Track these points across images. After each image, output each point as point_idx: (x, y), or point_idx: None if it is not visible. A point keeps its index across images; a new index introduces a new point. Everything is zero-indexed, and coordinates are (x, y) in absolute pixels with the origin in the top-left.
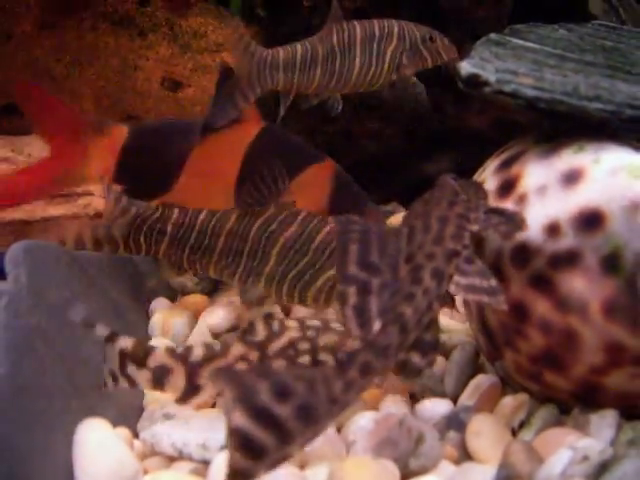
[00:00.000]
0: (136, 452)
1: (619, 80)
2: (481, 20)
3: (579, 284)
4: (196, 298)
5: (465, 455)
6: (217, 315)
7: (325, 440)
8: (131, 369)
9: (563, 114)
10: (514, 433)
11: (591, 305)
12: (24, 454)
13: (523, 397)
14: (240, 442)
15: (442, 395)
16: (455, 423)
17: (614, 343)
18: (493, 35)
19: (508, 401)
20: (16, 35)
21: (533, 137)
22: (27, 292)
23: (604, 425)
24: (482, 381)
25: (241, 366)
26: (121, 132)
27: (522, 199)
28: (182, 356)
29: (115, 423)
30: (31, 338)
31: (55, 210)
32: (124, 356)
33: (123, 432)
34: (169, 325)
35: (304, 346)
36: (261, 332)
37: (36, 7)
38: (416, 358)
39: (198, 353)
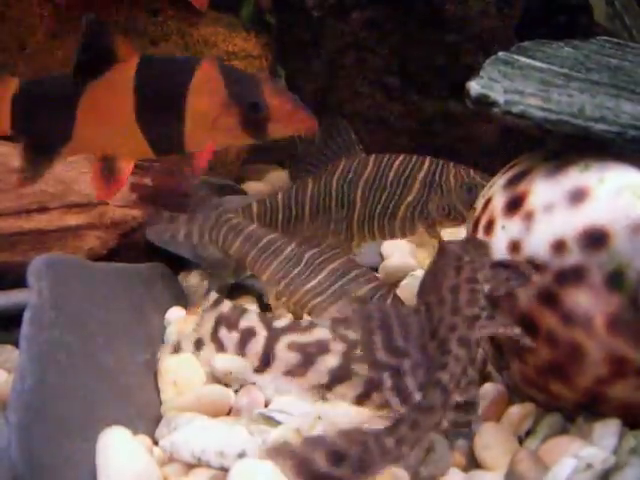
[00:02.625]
0: (156, 459)
1: (624, 99)
2: (487, 30)
3: (584, 299)
4: None
5: (473, 463)
6: None
7: None
8: (223, 332)
9: (569, 135)
10: (520, 441)
11: (596, 320)
12: (49, 464)
13: (529, 406)
14: None
15: None
16: (463, 432)
17: (617, 356)
18: (501, 54)
19: (515, 410)
20: (30, 45)
21: (540, 154)
22: (50, 305)
23: (607, 434)
24: (489, 390)
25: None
26: (12, 82)
27: (529, 216)
28: (267, 321)
29: (135, 431)
30: (54, 350)
31: (72, 220)
32: (220, 319)
33: (143, 440)
34: (184, 334)
35: None
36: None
37: (49, 17)
38: (460, 417)
39: (284, 322)
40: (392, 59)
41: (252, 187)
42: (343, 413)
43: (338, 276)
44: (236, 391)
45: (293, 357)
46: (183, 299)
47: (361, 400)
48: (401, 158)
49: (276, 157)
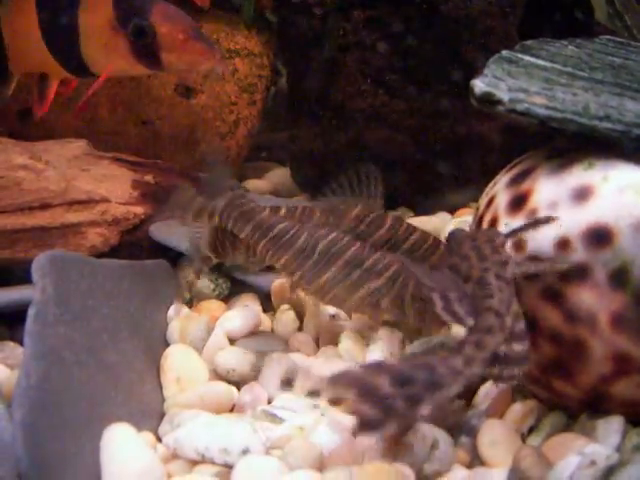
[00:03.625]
0: (159, 456)
1: (627, 98)
2: (489, 29)
3: (588, 297)
4: (212, 304)
5: (477, 460)
6: (234, 320)
7: (341, 444)
8: None
9: (574, 133)
10: (524, 438)
11: (600, 317)
12: (54, 460)
13: (532, 403)
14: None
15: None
16: (467, 428)
17: (621, 353)
18: (505, 52)
19: (518, 407)
20: None
21: (544, 152)
22: (54, 302)
23: (611, 431)
24: (493, 388)
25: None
26: None
27: (533, 214)
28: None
29: (138, 428)
30: (58, 347)
31: (74, 217)
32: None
33: (147, 436)
34: (186, 331)
35: None
36: None
37: None
38: (516, 346)
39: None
40: (394, 57)
41: (253, 185)
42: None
43: (354, 266)
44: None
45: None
46: (184, 296)
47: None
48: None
49: (277, 155)
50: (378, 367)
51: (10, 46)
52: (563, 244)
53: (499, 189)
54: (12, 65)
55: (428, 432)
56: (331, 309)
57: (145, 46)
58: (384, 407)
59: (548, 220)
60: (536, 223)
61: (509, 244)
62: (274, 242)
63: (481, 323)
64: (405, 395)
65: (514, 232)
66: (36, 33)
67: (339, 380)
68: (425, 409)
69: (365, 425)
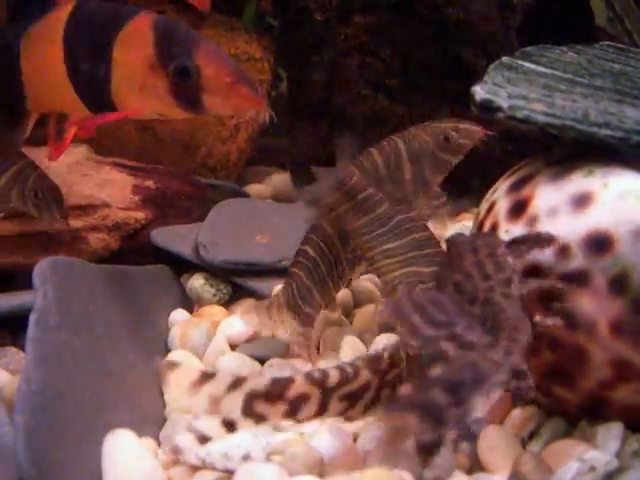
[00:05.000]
0: (160, 462)
1: (627, 105)
2: (489, 34)
3: (588, 303)
4: (213, 309)
5: (477, 465)
6: (235, 326)
7: (342, 450)
8: (262, 407)
9: (573, 140)
10: (524, 444)
11: (599, 324)
12: (55, 466)
13: (532, 409)
14: None
15: None
16: (467, 434)
17: (621, 360)
18: (505, 59)
19: (518, 413)
20: None
21: (544, 158)
22: (55, 308)
23: (610, 437)
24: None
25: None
26: None
27: (533, 221)
28: (319, 381)
29: (140, 433)
30: (59, 353)
31: (75, 222)
32: (253, 396)
33: (148, 442)
34: (187, 336)
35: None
36: (385, 362)
37: None
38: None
39: (334, 378)
40: (394, 62)
41: (254, 189)
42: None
43: (414, 247)
44: None
45: (343, 406)
46: (186, 301)
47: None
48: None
49: (278, 160)
50: (425, 386)
51: (28, 83)
52: (563, 250)
53: (499, 195)
54: (30, 103)
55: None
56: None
57: (187, 88)
58: (440, 422)
59: (549, 239)
60: (537, 238)
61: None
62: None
63: (504, 325)
64: (456, 402)
65: (514, 243)
66: (61, 69)
67: (396, 406)
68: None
69: (423, 446)
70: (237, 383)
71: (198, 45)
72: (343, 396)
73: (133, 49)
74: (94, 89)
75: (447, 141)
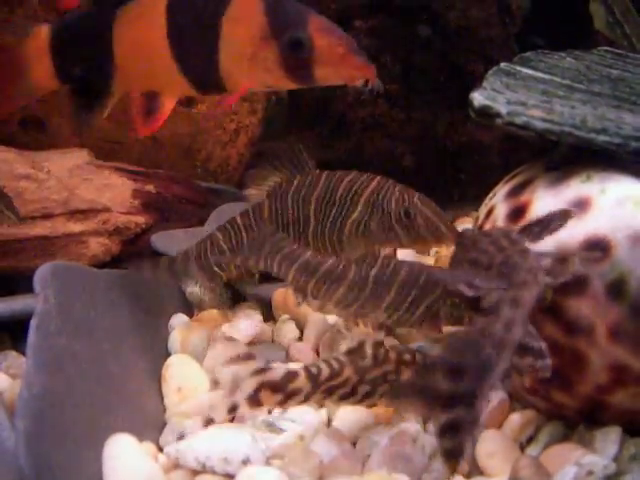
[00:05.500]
0: (160, 466)
1: (625, 111)
2: (489, 39)
3: (586, 309)
4: (213, 314)
5: (476, 470)
6: (235, 331)
7: (342, 454)
8: (265, 395)
9: (572, 146)
10: (522, 448)
11: (597, 328)
12: (56, 470)
13: (531, 414)
14: None
15: None
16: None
17: (619, 364)
18: (503, 65)
19: (516, 417)
20: None
21: (542, 164)
22: (56, 312)
23: (608, 441)
24: (491, 397)
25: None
26: (44, 32)
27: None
28: (314, 377)
29: (140, 438)
30: (60, 358)
31: (75, 226)
32: (264, 385)
33: (148, 446)
34: (188, 341)
35: (391, 377)
36: (369, 357)
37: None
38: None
39: (325, 375)
40: (394, 67)
41: (253, 193)
42: (347, 418)
43: (409, 288)
44: None
45: (321, 397)
46: (187, 306)
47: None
48: (351, 176)
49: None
50: (431, 364)
51: (120, 64)
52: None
53: (498, 200)
54: (117, 85)
55: (427, 442)
56: (331, 318)
57: (299, 59)
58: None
59: (565, 214)
60: (553, 216)
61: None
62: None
63: (514, 278)
64: (461, 394)
65: (528, 227)
66: (163, 48)
67: (403, 396)
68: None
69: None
70: (261, 371)
71: (309, 16)
72: (325, 390)
73: (243, 21)
74: (200, 65)
75: (407, 217)
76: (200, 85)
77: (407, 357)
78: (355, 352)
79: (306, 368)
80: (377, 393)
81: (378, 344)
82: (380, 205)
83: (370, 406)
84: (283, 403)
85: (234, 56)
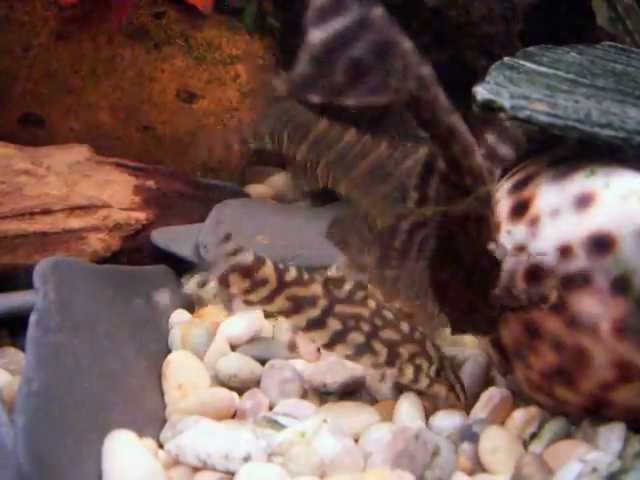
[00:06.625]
0: (161, 462)
1: (629, 105)
2: (491, 36)
3: (590, 304)
4: (213, 309)
5: (478, 466)
6: (235, 326)
7: (344, 451)
8: (234, 278)
9: (576, 140)
10: (525, 445)
11: (601, 324)
12: (55, 466)
13: (534, 410)
14: None
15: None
16: (468, 435)
17: (623, 360)
18: (507, 59)
19: (519, 414)
20: (33, 47)
21: (545, 159)
22: (56, 308)
23: (612, 438)
24: (494, 394)
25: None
26: None
27: (535, 221)
28: (279, 273)
29: (140, 434)
30: (60, 353)
31: (75, 222)
32: (236, 267)
33: (148, 443)
34: (188, 337)
35: (365, 327)
36: (344, 291)
37: (53, 20)
38: None
39: (291, 276)
40: None
41: (255, 190)
42: (349, 415)
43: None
44: (240, 394)
45: (287, 306)
46: (187, 302)
47: (330, 346)
48: None
49: (278, 160)
50: None
51: None
52: (565, 251)
53: (501, 195)
54: None
55: (430, 438)
56: None
57: None
58: None
59: None
60: None
61: None
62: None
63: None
64: None
65: None
66: None
67: None
68: None
69: None
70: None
71: None
72: (290, 296)
73: None
74: None
75: None
76: None
77: (388, 315)
78: (332, 281)
79: (274, 262)
80: (347, 339)
81: (358, 284)
82: None
83: (332, 350)
84: (249, 292)
85: None
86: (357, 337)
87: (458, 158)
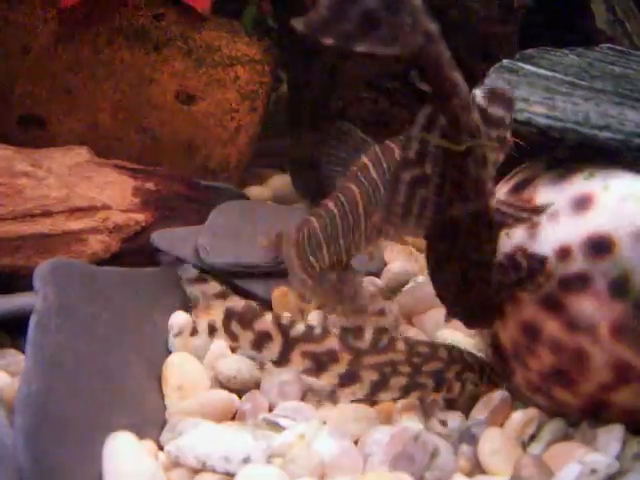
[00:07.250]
0: (161, 464)
1: (628, 107)
2: (490, 36)
3: (589, 306)
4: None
5: (478, 468)
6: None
7: (343, 453)
8: (236, 328)
9: (574, 142)
10: (524, 447)
11: (600, 326)
12: (55, 467)
13: (533, 412)
14: None
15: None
16: (467, 437)
17: (622, 362)
18: (505, 61)
19: (518, 415)
20: (34, 49)
21: (544, 161)
22: (55, 310)
23: (611, 439)
24: (493, 395)
25: (329, 361)
26: None
27: (534, 223)
28: (284, 327)
29: (140, 435)
30: (60, 355)
31: (75, 224)
32: (231, 314)
33: (148, 444)
34: (188, 339)
35: (405, 369)
36: (367, 341)
37: (53, 21)
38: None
39: (298, 331)
40: (394, 64)
41: (254, 192)
42: (348, 416)
43: None
44: (240, 396)
45: (307, 365)
46: (187, 304)
47: (373, 395)
48: None
49: (278, 162)
50: None
51: None
52: (563, 253)
53: (500, 197)
54: None
55: (429, 440)
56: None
57: None
58: None
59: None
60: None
61: None
62: None
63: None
64: None
65: None
66: None
67: None
68: None
69: None
70: (222, 295)
71: None
72: (306, 353)
73: None
74: None
75: None
76: None
77: (423, 350)
78: (349, 331)
79: (274, 314)
80: (389, 385)
81: (378, 330)
82: None
83: (377, 398)
84: (257, 347)
85: None
86: (399, 380)
87: (458, 113)
